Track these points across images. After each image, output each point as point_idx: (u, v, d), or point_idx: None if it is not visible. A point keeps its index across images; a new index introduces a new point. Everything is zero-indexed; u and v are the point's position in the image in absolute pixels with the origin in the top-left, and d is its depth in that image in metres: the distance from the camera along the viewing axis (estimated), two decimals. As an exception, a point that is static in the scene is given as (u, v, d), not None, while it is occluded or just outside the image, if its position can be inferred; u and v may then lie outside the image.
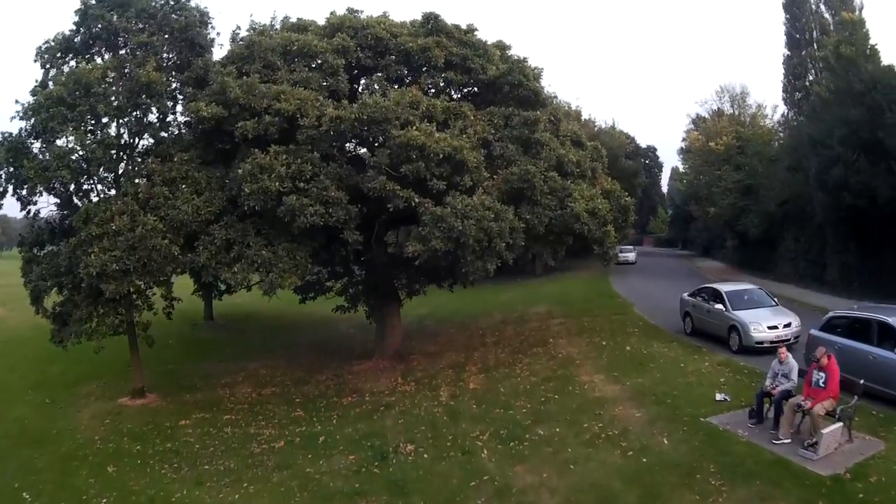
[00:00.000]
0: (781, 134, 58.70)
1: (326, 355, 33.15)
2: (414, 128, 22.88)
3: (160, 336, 28.08)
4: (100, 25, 25.45)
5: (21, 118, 24.55)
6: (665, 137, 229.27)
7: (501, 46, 29.49)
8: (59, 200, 25.39)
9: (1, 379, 30.78)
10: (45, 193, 24.74)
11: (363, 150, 25.18)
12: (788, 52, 56.54)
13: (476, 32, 28.79)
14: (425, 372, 27.55)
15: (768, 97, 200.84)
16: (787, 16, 55.96)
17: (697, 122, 71.99)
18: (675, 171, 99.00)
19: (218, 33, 27.26)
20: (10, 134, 24.88)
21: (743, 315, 25.51)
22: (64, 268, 23.95)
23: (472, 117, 25.63)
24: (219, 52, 27.67)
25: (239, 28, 28.12)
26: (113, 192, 25.02)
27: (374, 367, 28.94)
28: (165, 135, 26.09)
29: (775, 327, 24.82)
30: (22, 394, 28.15)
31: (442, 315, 40.92)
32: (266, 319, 43.83)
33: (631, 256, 69.89)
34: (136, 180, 24.83)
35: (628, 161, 72.20)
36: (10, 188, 24.82)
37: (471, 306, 36.50)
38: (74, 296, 24.22)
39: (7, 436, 23.50)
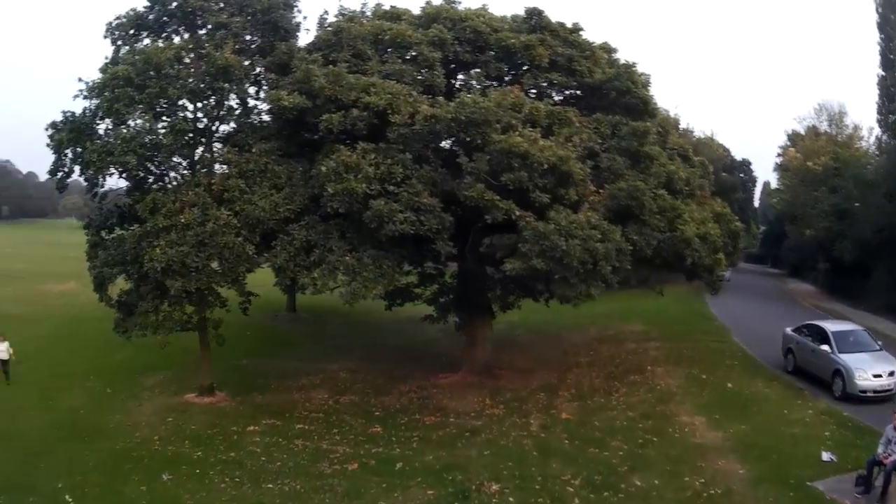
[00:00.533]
0: (878, 157, 55.40)
1: (411, 362, 31.10)
2: (516, 133, 21.02)
3: (236, 326, 26.87)
4: (175, 3, 24.03)
5: (84, 97, 23.36)
6: (755, 149, 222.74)
7: (607, 49, 27.47)
8: (128, 184, 24.08)
9: (61, 362, 29.78)
10: (114, 175, 23.63)
11: (458, 151, 23.01)
12: (883, 73, 53.27)
13: (581, 32, 26.78)
14: (515, 393, 25.63)
15: (862, 117, 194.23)
16: (882, 35, 52.64)
17: (794, 138, 68.78)
18: (766, 186, 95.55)
19: (304, 17, 25.44)
20: (73, 113, 23.64)
21: (848, 359, 23.94)
22: (130, 256, 22.59)
23: (578, 124, 23.43)
24: (305, 38, 25.89)
25: (327, 13, 26.28)
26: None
27: (461, 383, 26.99)
28: (248, 121, 24.54)
29: (879, 375, 23.20)
30: (81, 380, 27.10)
31: (534, 324, 39.04)
32: (350, 315, 40.62)
33: (727, 274, 67.74)
34: (216, 167, 23.55)
35: (725, 175, 68.75)
36: (77, 169, 23.74)
37: (564, 316, 34.74)
38: (140, 286, 22.95)
39: (58, 426, 22.30)
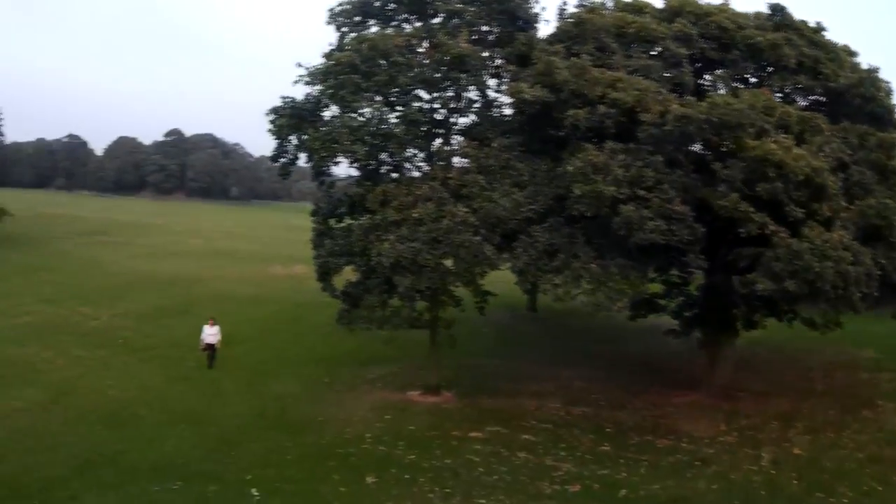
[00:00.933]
0: None
1: (649, 376, 29.42)
2: (770, 139, 19.77)
3: (473, 323, 26.09)
4: None
5: (306, 83, 23.16)
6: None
7: (849, 51, 25.58)
8: (359, 173, 23.94)
9: (279, 347, 29.58)
10: (343, 163, 23.54)
11: (708, 156, 21.93)
12: None
13: (824, 32, 25.08)
14: (750, 420, 24.11)
15: None
16: None
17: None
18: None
19: (543, 8, 24.67)
20: (293, 99, 23.40)
21: None
22: (357, 248, 22.23)
23: (828, 132, 21.98)
24: (544, 30, 25.25)
25: (566, 3, 25.17)
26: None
27: (698, 404, 25.59)
28: (488, 114, 23.93)
29: None
30: (298, 367, 26.86)
31: (774, 341, 36.05)
32: (591, 319, 37.37)
33: None
34: (454, 160, 22.99)
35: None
36: (303, 156, 23.69)
37: (803, 333, 33.01)
38: (367, 279, 22.67)
39: (260, 414, 22.12)
